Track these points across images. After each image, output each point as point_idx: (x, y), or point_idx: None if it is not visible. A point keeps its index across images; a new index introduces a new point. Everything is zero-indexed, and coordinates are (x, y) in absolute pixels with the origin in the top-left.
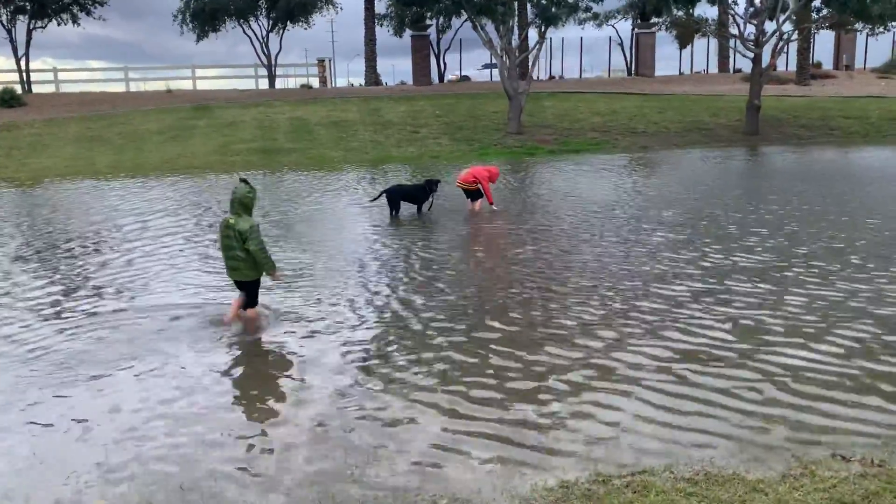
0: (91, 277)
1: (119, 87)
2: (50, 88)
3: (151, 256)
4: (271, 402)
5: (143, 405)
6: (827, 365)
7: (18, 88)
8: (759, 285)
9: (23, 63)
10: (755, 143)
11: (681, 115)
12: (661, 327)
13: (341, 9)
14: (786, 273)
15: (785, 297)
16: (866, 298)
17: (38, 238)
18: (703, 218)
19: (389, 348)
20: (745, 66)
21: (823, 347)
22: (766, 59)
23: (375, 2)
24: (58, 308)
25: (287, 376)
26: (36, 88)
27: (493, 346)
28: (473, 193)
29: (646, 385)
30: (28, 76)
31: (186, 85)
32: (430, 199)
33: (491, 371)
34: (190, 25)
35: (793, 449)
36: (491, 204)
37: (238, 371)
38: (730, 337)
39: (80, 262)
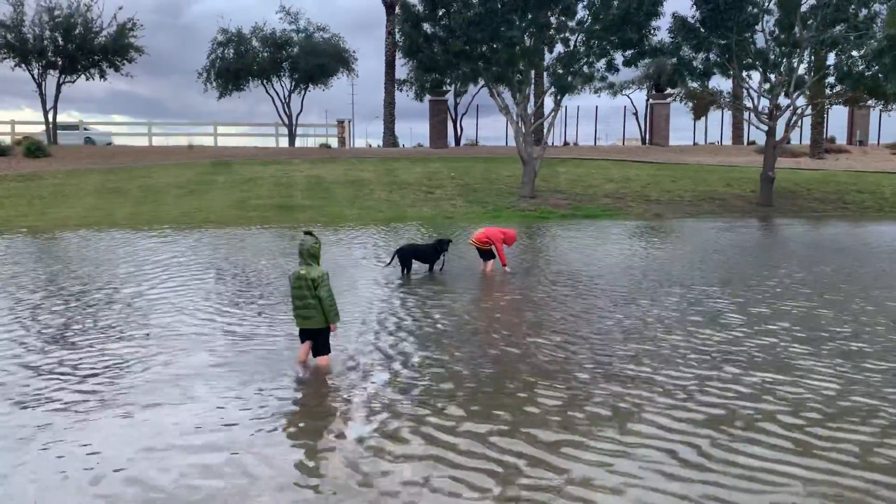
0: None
1: (142, 142)
2: (75, 141)
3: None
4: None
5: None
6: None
7: (45, 140)
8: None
9: (50, 116)
10: (768, 214)
11: (694, 185)
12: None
13: (357, 75)
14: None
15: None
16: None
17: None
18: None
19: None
20: (759, 138)
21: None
22: (780, 133)
23: (397, 67)
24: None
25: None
26: (62, 140)
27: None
28: (486, 254)
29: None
30: (55, 128)
31: (208, 141)
32: (442, 259)
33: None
34: (214, 84)
35: None
36: (504, 266)
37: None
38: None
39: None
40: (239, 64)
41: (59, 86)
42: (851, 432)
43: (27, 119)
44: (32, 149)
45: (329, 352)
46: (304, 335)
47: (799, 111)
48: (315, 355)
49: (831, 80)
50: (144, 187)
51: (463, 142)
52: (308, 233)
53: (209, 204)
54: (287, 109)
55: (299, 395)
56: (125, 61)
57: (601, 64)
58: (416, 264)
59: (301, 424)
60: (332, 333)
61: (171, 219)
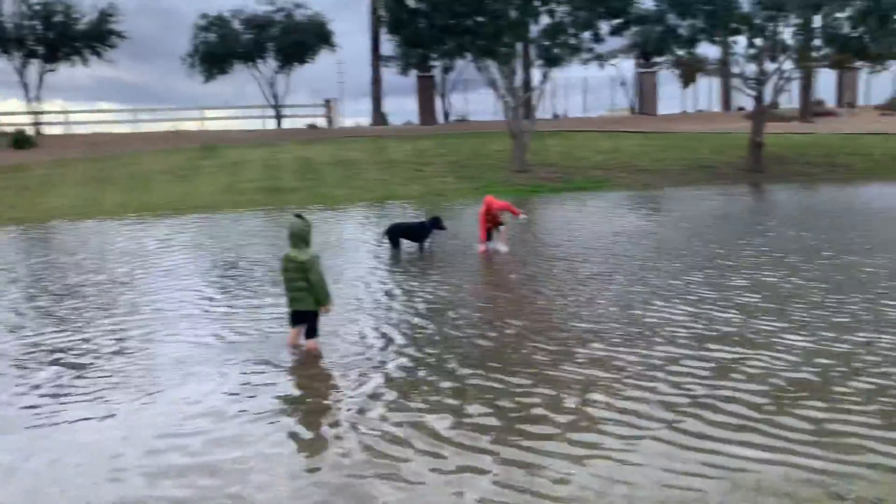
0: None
1: (128, 129)
2: (61, 130)
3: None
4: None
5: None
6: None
7: (30, 130)
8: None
9: (35, 105)
10: (759, 181)
11: (683, 154)
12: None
13: (341, 48)
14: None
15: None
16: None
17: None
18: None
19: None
20: (748, 104)
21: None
22: (768, 98)
23: (382, 43)
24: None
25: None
26: (48, 130)
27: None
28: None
29: (637, 434)
30: (40, 118)
31: (194, 126)
32: (430, 238)
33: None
34: (198, 68)
35: (785, 488)
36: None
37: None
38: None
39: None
40: (222, 47)
41: (40, 75)
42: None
43: (12, 109)
44: (18, 139)
45: (316, 335)
46: (295, 317)
47: (786, 76)
48: (306, 338)
49: (817, 42)
50: (132, 174)
51: (452, 118)
52: (298, 215)
53: (198, 189)
54: (273, 91)
55: (287, 379)
56: (107, 47)
57: (587, 35)
58: (406, 242)
59: (287, 409)
60: (325, 314)
61: (161, 205)
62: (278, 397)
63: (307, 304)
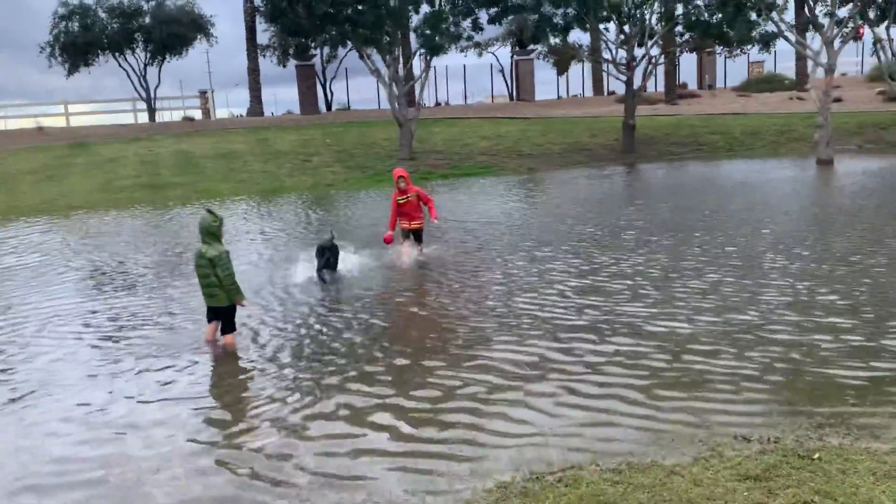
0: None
1: None
2: None
3: None
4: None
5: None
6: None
7: None
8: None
9: None
10: (633, 161)
11: (562, 137)
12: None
13: (217, 41)
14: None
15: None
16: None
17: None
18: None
19: (323, 366)
20: (619, 88)
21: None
22: (637, 82)
23: (258, 32)
24: None
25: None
26: None
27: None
28: (416, 232)
29: (559, 386)
30: None
31: (59, 122)
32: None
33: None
34: (59, 59)
35: (700, 435)
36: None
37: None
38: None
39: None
40: (86, 37)
41: None
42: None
43: None
44: None
45: (234, 330)
46: (211, 313)
47: (653, 60)
48: (222, 333)
49: (680, 28)
50: None
51: (335, 106)
52: (209, 210)
53: (70, 188)
54: (144, 83)
55: (206, 376)
56: None
57: (467, 23)
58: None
59: (209, 406)
60: (240, 309)
61: (31, 207)
62: (194, 394)
63: (220, 299)
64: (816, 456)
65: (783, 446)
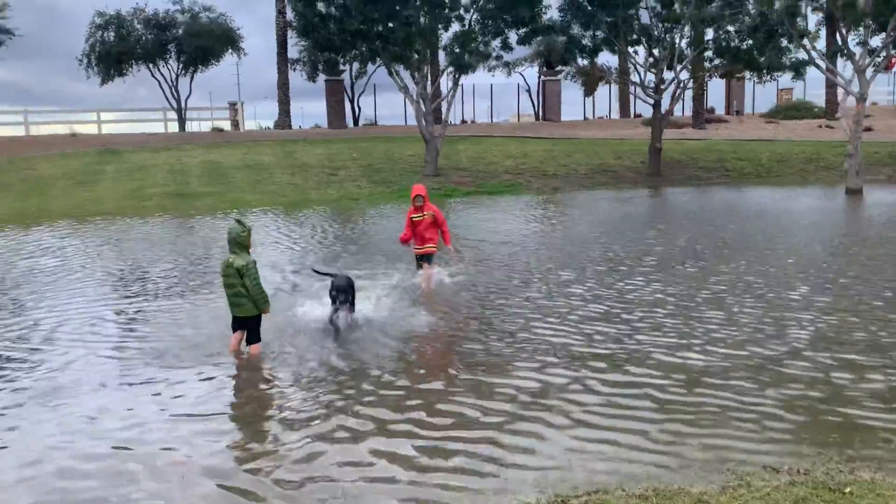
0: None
1: (18, 131)
2: None
3: None
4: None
5: None
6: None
7: None
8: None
9: None
10: (658, 184)
11: (588, 158)
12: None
13: (246, 53)
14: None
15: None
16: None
17: None
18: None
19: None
20: (645, 111)
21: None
22: (665, 105)
23: (289, 46)
24: None
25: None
26: None
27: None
28: (428, 256)
29: (587, 412)
30: None
31: (91, 129)
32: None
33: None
34: (95, 69)
35: (729, 465)
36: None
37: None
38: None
39: None
40: (121, 47)
41: None
42: None
43: None
44: None
45: (259, 340)
46: (236, 323)
47: (682, 84)
48: (248, 343)
49: (710, 53)
50: (28, 179)
51: (362, 122)
52: (238, 220)
53: (101, 195)
54: (176, 93)
55: (231, 385)
56: None
57: (497, 42)
58: None
59: (232, 415)
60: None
61: (63, 212)
62: (219, 403)
63: (247, 309)
64: (847, 490)
65: (813, 478)
